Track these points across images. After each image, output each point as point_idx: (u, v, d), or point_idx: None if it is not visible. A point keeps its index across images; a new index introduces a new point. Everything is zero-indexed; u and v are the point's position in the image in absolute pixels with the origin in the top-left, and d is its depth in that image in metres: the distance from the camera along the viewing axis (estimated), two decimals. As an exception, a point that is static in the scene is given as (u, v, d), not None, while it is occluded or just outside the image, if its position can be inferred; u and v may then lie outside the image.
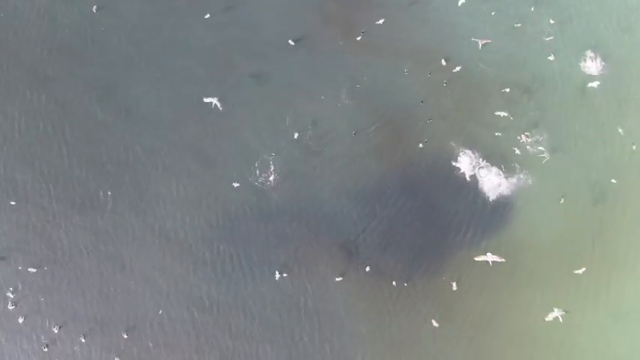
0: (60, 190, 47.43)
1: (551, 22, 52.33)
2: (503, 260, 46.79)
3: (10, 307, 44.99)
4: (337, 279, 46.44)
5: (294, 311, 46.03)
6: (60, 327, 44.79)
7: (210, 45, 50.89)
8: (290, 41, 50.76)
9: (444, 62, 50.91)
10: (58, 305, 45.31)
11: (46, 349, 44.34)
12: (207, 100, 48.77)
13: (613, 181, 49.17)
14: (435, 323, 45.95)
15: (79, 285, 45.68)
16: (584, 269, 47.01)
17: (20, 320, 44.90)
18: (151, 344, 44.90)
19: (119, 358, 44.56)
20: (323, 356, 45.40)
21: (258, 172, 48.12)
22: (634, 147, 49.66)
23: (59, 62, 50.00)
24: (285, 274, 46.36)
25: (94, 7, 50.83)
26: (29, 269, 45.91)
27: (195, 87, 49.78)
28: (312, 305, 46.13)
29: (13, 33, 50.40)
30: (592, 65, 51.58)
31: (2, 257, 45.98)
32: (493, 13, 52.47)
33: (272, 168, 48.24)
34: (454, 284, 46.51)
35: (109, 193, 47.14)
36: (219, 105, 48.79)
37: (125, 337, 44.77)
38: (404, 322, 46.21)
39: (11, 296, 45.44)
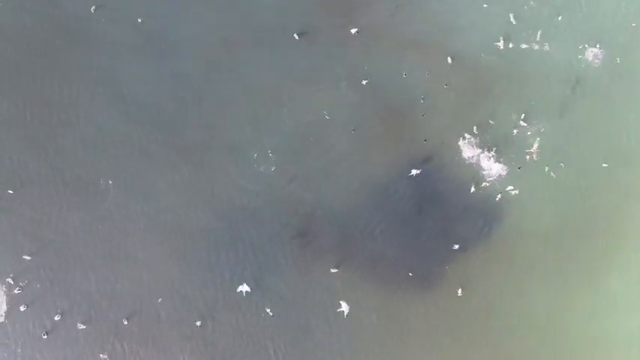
0: (59, 179, 47.63)
1: (551, 13, 52.13)
2: None
3: (16, 292, 45.43)
4: (333, 270, 46.69)
5: (294, 301, 46.40)
6: (61, 314, 45.31)
7: (208, 33, 50.77)
8: (295, 35, 50.50)
9: (449, 60, 50.50)
10: (58, 293, 45.73)
11: (45, 337, 44.85)
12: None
13: (604, 165, 49.28)
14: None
15: (80, 273, 46.05)
16: (584, 255, 47.56)
17: (22, 308, 45.42)
18: (149, 331, 45.35)
19: (120, 343, 45.05)
20: (325, 349, 45.99)
21: (256, 165, 48.20)
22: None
23: (60, 54, 50.17)
24: (286, 265, 46.68)
25: (93, 7, 50.85)
26: (24, 257, 46.26)
27: (194, 83, 49.89)
28: (314, 297, 46.48)
29: (15, 27, 50.48)
30: (592, 55, 51.25)
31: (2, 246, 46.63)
32: (485, 6, 52.09)
33: (271, 159, 48.29)
34: (459, 287, 46.83)
35: (110, 181, 47.37)
36: None
37: (125, 323, 45.27)
38: (408, 312, 46.64)
39: (11, 282, 45.90)
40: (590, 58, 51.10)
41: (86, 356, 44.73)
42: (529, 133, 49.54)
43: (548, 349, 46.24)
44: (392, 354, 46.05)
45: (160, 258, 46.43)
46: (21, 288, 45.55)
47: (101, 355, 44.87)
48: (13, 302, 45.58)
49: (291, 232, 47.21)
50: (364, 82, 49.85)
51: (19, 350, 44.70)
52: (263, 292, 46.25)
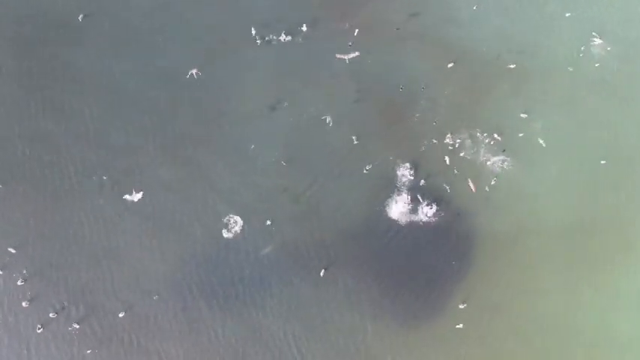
0: (52, 175, 47.47)
1: (558, 9, 51.27)
2: None
3: (19, 284, 45.44)
4: (321, 273, 46.45)
5: (294, 303, 46.25)
6: (56, 311, 45.13)
7: (206, 28, 50.73)
8: (301, 29, 50.47)
9: (450, 65, 49.98)
10: (53, 289, 45.57)
11: (40, 330, 44.72)
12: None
13: (602, 162, 49.24)
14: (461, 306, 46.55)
15: (74, 269, 45.90)
16: (592, 254, 47.58)
17: (24, 304, 45.16)
18: (146, 328, 45.23)
19: (115, 339, 44.83)
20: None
21: (253, 162, 48.18)
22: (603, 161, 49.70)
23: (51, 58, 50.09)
24: (287, 266, 46.57)
25: (80, 15, 50.64)
26: (9, 249, 45.97)
27: (190, 79, 49.77)
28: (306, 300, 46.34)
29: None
30: (598, 52, 50.81)
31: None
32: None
33: (270, 156, 48.25)
34: (462, 302, 46.75)
35: (104, 177, 47.31)
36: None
37: (121, 316, 45.08)
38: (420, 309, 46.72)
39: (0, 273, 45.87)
40: (596, 55, 50.61)
41: (81, 352, 44.50)
42: (531, 129, 49.49)
43: (556, 350, 46.13)
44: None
45: (156, 255, 46.22)
46: (23, 281, 45.40)
47: (90, 351, 44.82)
48: (16, 298, 45.32)
49: (291, 231, 47.16)
50: (365, 78, 49.73)
51: (13, 345, 44.38)
52: (263, 290, 46.23)
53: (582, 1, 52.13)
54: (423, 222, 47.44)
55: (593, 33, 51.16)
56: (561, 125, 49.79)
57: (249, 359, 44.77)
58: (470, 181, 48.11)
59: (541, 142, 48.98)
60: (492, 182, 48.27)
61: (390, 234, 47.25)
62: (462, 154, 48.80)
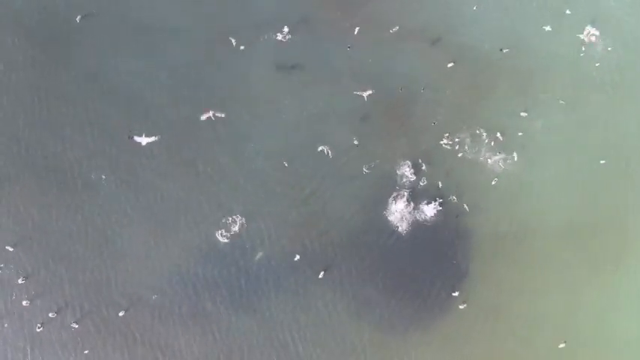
0: (52, 175, 47.16)
1: (558, 6, 51.41)
2: None
3: (20, 282, 45.28)
4: (319, 275, 46.47)
5: (292, 306, 46.27)
6: (57, 312, 45.10)
7: (205, 26, 50.33)
8: (285, 28, 50.11)
9: (450, 65, 50.01)
10: (57, 288, 45.50)
11: (40, 329, 44.69)
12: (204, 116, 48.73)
13: (602, 162, 49.23)
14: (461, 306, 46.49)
15: (73, 269, 45.81)
16: (593, 254, 47.75)
17: (24, 303, 45.03)
18: (146, 326, 45.27)
19: (113, 338, 44.90)
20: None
21: (251, 162, 48.02)
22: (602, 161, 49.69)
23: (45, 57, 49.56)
24: (286, 267, 46.57)
25: (78, 17, 50.15)
26: (7, 247, 45.61)
27: (189, 77, 49.40)
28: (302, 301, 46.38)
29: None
30: (598, 50, 50.63)
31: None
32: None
33: (269, 156, 48.08)
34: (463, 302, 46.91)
35: (104, 176, 47.15)
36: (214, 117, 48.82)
37: (121, 314, 45.06)
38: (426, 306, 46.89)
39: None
40: (596, 55, 50.57)
41: (81, 351, 44.52)
42: (531, 128, 49.41)
43: (556, 350, 46.30)
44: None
45: (158, 254, 46.18)
46: (24, 279, 45.19)
47: (91, 350, 44.84)
48: (16, 298, 45.19)
49: (293, 231, 47.09)
50: (365, 78, 49.60)
51: (14, 343, 44.41)
52: (267, 290, 46.24)
53: (582, 0, 51.97)
54: (424, 222, 47.52)
55: (594, 32, 51.02)
56: (561, 125, 49.72)
57: (253, 358, 44.93)
58: (455, 198, 48.26)
59: (514, 155, 48.97)
60: (493, 182, 48.20)
61: (390, 234, 47.30)
62: (461, 154, 48.69)
